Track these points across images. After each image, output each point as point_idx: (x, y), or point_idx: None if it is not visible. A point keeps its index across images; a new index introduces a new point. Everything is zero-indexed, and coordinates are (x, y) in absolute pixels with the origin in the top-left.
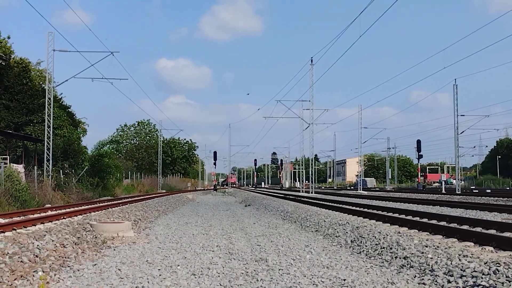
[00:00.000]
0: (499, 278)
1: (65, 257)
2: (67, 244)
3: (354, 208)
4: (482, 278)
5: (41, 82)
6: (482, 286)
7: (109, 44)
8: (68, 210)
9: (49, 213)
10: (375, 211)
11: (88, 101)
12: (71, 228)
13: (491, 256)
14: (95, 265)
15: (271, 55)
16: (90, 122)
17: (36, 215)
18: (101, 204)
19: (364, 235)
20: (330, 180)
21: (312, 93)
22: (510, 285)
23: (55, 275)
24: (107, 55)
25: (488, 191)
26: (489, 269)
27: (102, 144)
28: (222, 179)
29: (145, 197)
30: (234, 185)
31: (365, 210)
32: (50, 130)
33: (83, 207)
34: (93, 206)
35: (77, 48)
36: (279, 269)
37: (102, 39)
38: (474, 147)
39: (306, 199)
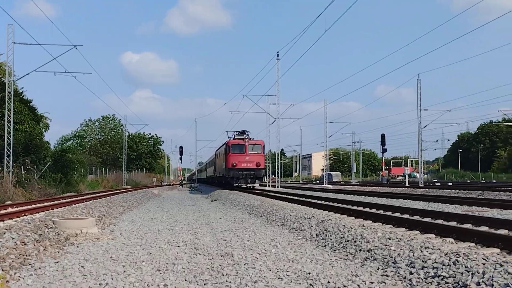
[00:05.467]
0: (459, 269)
1: (26, 255)
2: (28, 242)
3: (319, 201)
4: (442, 269)
5: (0, 76)
6: (442, 277)
7: (72, 38)
8: (29, 207)
9: (10, 210)
10: (340, 205)
11: (50, 96)
12: (33, 225)
13: (451, 247)
14: (57, 262)
15: (239, 49)
16: (53, 117)
17: None
18: (64, 201)
19: (329, 229)
20: (296, 174)
21: (278, 87)
22: (469, 275)
23: (15, 274)
24: (70, 48)
25: (450, 184)
26: (449, 260)
27: (65, 139)
28: (189, 174)
29: (109, 192)
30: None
31: (330, 203)
32: (10, 125)
33: (45, 204)
34: (56, 202)
35: (38, 41)
36: (245, 264)
37: (66, 32)
38: (437, 141)
39: (272, 193)
